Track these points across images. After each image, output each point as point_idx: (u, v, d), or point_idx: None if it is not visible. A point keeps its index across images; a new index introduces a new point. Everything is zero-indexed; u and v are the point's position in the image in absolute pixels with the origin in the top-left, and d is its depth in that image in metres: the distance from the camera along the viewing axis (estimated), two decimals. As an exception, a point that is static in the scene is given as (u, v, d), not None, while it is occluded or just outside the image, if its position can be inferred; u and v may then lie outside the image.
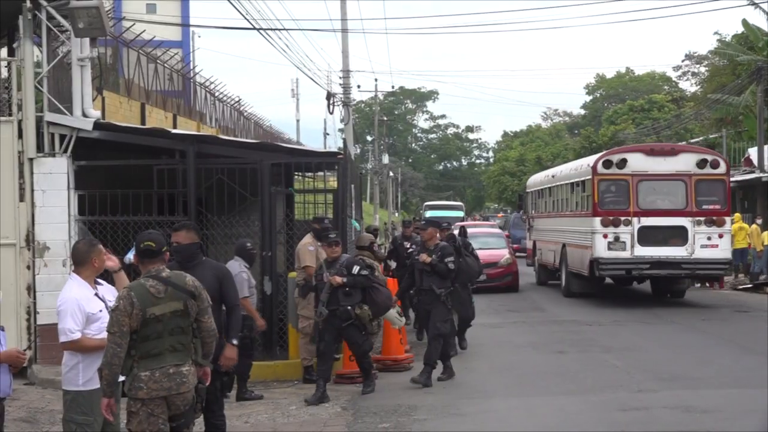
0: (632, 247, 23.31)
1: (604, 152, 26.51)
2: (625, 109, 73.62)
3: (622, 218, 23.34)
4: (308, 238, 14.51)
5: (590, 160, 25.90)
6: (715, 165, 23.69)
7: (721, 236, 23.43)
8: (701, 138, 46.47)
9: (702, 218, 23.31)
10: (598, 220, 23.49)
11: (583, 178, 25.37)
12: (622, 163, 23.72)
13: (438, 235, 14.81)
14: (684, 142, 47.05)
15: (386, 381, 14.32)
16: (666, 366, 15.21)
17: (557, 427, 11.25)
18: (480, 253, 26.62)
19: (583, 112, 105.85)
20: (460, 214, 63.75)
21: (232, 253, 13.49)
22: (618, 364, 15.51)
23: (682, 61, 76.88)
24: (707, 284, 28.42)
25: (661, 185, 23.76)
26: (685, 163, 23.69)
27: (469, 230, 25.38)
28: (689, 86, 74.90)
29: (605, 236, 23.34)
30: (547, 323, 21.25)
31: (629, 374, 14.52)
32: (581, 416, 11.70)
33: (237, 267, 12.68)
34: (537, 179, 34.86)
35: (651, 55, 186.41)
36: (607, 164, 23.90)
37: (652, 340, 18.23)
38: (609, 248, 23.31)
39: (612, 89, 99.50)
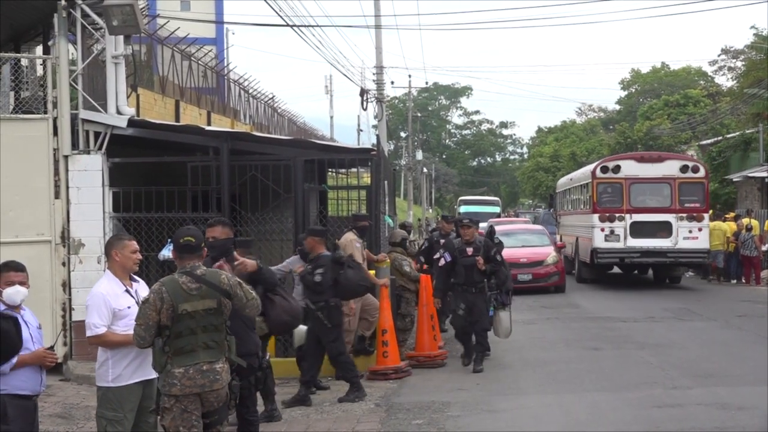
0: (625, 239, 27.60)
1: (602, 159, 31.51)
2: (661, 104, 73.13)
3: (617, 215, 27.56)
4: (351, 235, 14.47)
5: (591, 166, 30.56)
6: (695, 170, 27.95)
7: (700, 230, 27.50)
8: (738, 133, 46.05)
9: (684, 215, 27.34)
10: (596, 216, 27.76)
11: (586, 182, 29.78)
12: (617, 168, 28.08)
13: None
14: (711, 137, 46.74)
15: (419, 377, 14.32)
16: (701, 363, 15.11)
17: (591, 424, 11.19)
18: (522, 252, 27.08)
19: (618, 107, 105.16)
20: (496, 210, 61.90)
21: (266, 249, 13.59)
22: (652, 360, 15.42)
23: (718, 55, 76.15)
24: (743, 280, 29.72)
25: (649, 187, 27.89)
26: (669, 168, 27.86)
27: (506, 227, 25.70)
28: (725, 81, 74.21)
29: (602, 230, 27.68)
30: (580, 320, 21.17)
31: (664, 371, 14.44)
32: (615, 413, 11.64)
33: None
34: (562, 181, 39.63)
35: (687, 50, 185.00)
36: (604, 170, 28.27)
37: (687, 337, 18.12)
38: (606, 240, 27.61)
39: (647, 84, 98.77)
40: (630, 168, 28.01)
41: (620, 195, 27.72)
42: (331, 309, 12.46)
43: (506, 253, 23.00)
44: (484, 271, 15.04)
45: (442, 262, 15.41)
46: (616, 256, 28.04)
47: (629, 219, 27.49)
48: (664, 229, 27.37)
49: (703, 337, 18.05)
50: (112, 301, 8.00)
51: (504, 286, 15.44)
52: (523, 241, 28.30)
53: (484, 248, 15.16)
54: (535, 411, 11.96)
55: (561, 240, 33.81)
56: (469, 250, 15.15)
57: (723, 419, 11.04)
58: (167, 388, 7.34)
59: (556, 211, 39.38)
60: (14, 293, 7.63)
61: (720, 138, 47.12)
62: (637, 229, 27.30)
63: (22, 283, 7.71)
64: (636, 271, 31.85)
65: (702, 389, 12.86)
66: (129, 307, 8.02)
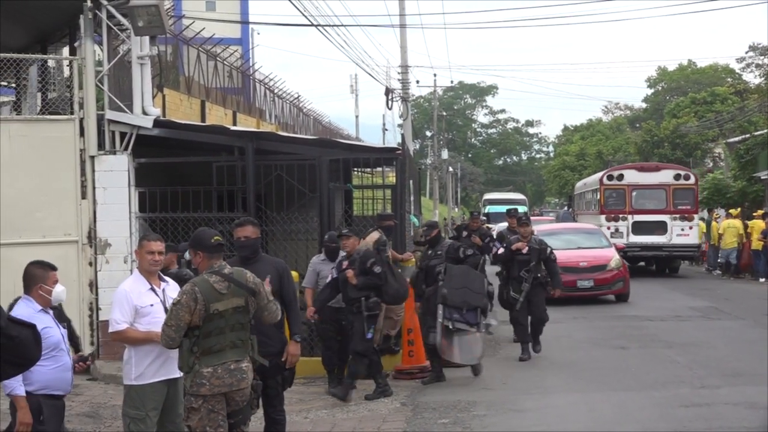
0: (628, 235, 32.17)
1: (607, 169, 36.96)
2: (688, 102, 72.64)
3: (621, 215, 32.46)
4: (377, 234, 14.44)
5: (599, 174, 35.97)
6: (687, 178, 33.12)
7: (691, 228, 32.43)
8: (765, 131, 45.71)
9: (677, 215, 32.21)
10: (603, 216, 32.65)
11: (595, 187, 34.97)
12: (621, 177, 33.33)
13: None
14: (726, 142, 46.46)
15: (446, 376, 14.29)
16: (729, 362, 15.02)
17: (617, 424, 11.14)
18: (580, 254, 24.90)
19: (644, 105, 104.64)
20: (524, 209, 61.17)
21: (292, 249, 13.62)
22: (680, 359, 15.35)
23: (746, 52, 75.45)
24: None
25: (648, 192, 32.86)
26: (665, 176, 33.05)
27: (553, 227, 25.65)
28: (753, 78, 73.57)
29: (609, 228, 31.82)
30: (607, 318, 21.09)
31: (691, 370, 14.36)
32: (642, 412, 11.59)
33: (312, 260, 13.61)
34: (579, 185, 45.52)
35: (714, 47, 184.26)
36: (610, 178, 33.55)
37: (715, 336, 18.01)
38: (611, 236, 30.26)
39: (674, 82, 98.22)
40: (632, 176, 33.33)
41: (623, 199, 32.77)
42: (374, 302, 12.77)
43: (562, 255, 21.98)
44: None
45: (496, 251, 16.96)
46: (620, 250, 28.44)
47: (631, 219, 32.36)
48: (661, 228, 32.14)
49: (732, 336, 17.94)
50: (134, 298, 8.05)
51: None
52: (569, 242, 25.95)
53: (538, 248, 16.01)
54: (562, 410, 11.92)
55: None
56: (525, 248, 15.98)
57: (751, 419, 10.95)
58: (195, 388, 7.35)
59: (575, 210, 44.02)
60: (62, 291, 7.75)
61: (748, 135, 46.69)
62: (638, 228, 31.72)
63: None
64: (643, 263, 34.38)
65: (730, 388, 12.78)
66: (152, 305, 8.06)
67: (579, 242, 26.18)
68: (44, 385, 7.62)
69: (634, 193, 32.71)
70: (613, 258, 24.86)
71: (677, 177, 32.91)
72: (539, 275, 15.82)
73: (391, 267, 13.11)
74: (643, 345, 17.06)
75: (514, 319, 16.12)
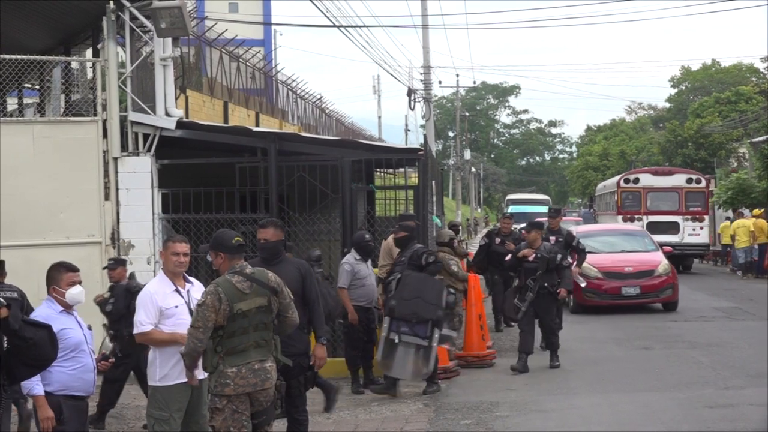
0: None
1: (624, 173, 39.20)
2: (711, 101, 72.26)
3: (636, 216, 34.08)
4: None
5: (617, 178, 38.43)
6: (698, 182, 34.98)
7: (701, 228, 34.29)
8: (789, 131, 45.46)
9: (689, 216, 34.01)
10: (620, 217, 34.42)
11: (613, 190, 37.20)
12: (636, 180, 35.24)
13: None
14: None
15: (468, 377, 14.29)
16: (754, 363, 14.91)
17: (641, 425, 11.10)
18: (626, 259, 22.97)
19: (668, 105, 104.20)
20: (547, 209, 60.35)
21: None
22: (704, 360, 15.27)
23: (770, 51, 75.20)
24: None
25: (662, 195, 34.75)
26: (678, 180, 35.00)
27: (592, 228, 25.77)
28: (778, 77, 73.24)
29: None
30: (630, 318, 20.98)
31: (716, 371, 14.29)
32: (666, 413, 11.54)
33: (345, 259, 13.43)
34: (599, 187, 47.38)
35: (738, 46, 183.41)
36: (627, 181, 35.53)
37: (740, 337, 17.91)
38: None
39: (698, 81, 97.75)
40: (647, 180, 35.23)
41: (639, 201, 34.74)
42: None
43: (604, 259, 22.58)
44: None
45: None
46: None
47: (646, 219, 33.73)
48: (674, 228, 33.53)
49: (756, 337, 17.81)
50: (159, 299, 8.09)
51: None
52: (620, 245, 24.34)
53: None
54: (585, 411, 11.88)
55: None
56: (552, 239, 16.47)
57: (776, 420, 10.90)
58: (220, 388, 7.37)
59: (595, 211, 46.56)
60: (79, 293, 7.74)
61: (772, 135, 46.45)
62: (652, 228, 31.59)
63: (80, 283, 7.82)
64: None
65: (755, 389, 12.69)
66: (176, 307, 8.10)
67: (623, 245, 24.39)
68: (64, 386, 7.63)
69: (648, 196, 34.73)
70: (662, 263, 22.84)
71: (689, 180, 34.97)
72: (546, 284, 14.82)
73: (322, 285, 12.05)
74: (666, 345, 16.99)
75: (519, 327, 15.25)
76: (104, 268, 12.02)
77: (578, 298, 22.02)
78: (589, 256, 20.45)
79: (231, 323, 7.35)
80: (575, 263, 17.40)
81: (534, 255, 14.93)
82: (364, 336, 13.45)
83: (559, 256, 15.13)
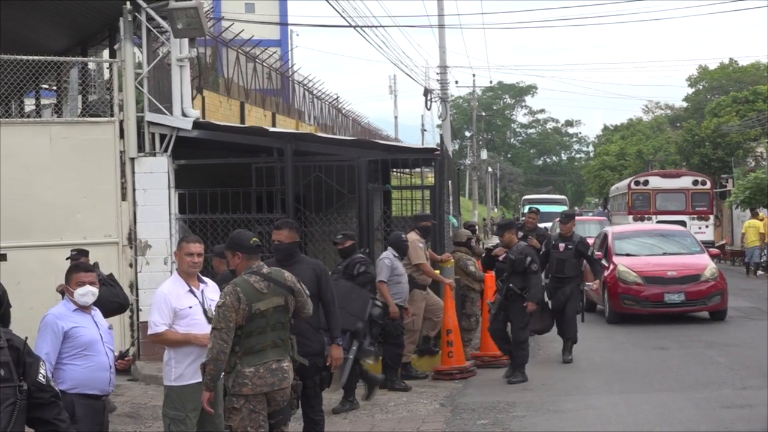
0: None
1: (634, 176, 43.35)
2: (729, 101, 71.93)
3: (646, 216, 36.87)
4: (415, 235, 14.43)
5: (627, 180, 42.19)
6: (703, 183, 38.45)
7: (707, 227, 37.58)
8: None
9: (695, 216, 37.20)
10: (631, 217, 37.45)
11: (624, 191, 40.48)
12: (646, 182, 38.71)
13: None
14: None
15: (484, 377, 14.29)
16: (772, 363, 14.85)
17: (659, 424, 11.07)
18: (668, 262, 20.63)
19: (685, 104, 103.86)
20: (564, 209, 60.19)
21: (331, 249, 13.62)
22: (721, 360, 15.22)
23: (788, 50, 74.84)
24: None
25: (670, 196, 37.97)
26: (684, 182, 38.37)
27: (630, 228, 27.32)
28: (796, 77, 72.92)
29: None
30: (646, 319, 20.86)
31: (733, 371, 14.24)
32: (684, 413, 11.51)
33: (384, 254, 13.59)
34: (612, 188, 51.22)
35: (756, 46, 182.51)
36: (637, 183, 39.02)
37: (757, 337, 17.81)
38: None
39: (715, 81, 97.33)
40: (655, 182, 38.53)
41: (648, 201, 37.79)
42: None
43: (644, 263, 20.49)
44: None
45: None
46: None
47: (655, 219, 35.98)
48: (681, 226, 33.47)
49: (774, 337, 17.75)
50: (173, 300, 8.10)
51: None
52: (661, 246, 22.03)
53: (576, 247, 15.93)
54: (602, 411, 11.85)
55: None
56: (561, 246, 15.94)
57: (794, 420, 10.85)
58: (237, 388, 7.37)
59: (610, 211, 48.55)
60: (85, 294, 7.71)
61: (790, 134, 46.30)
62: None
63: (92, 284, 7.79)
64: None
65: (772, 389, 12.63)
66: (190, 307, 8.11)
67: (664, 247, 22.00)
68: (76, 384, 7.59)
69: (657, 197, 37.90)
70: (708, 266, 20.51)
71: (695, 182, 38.28)
72: (511, 286, 13.95)
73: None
74: (683, 345, 16.94)
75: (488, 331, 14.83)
76: (67, 259, 11.85)
77: (615, 306, 19.99)
78: (627, 259, 20.41)
79: (249, 323, 7.36)
80: (594, 276, 16.93)
81: (503, 255, 14.36)
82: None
83: (529, 259, 13.94)
